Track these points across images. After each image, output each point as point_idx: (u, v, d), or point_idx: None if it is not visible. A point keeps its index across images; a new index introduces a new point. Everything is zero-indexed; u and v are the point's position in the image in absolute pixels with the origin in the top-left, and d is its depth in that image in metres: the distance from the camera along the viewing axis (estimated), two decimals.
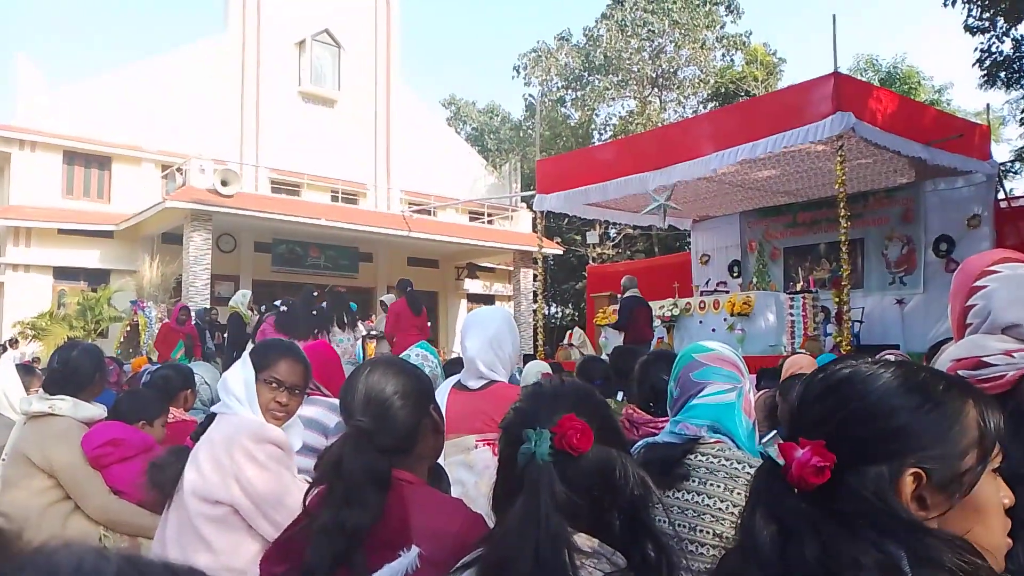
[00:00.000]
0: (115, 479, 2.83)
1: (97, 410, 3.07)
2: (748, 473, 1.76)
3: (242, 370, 2.24)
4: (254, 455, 2.05)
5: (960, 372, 1.57)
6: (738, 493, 1.74)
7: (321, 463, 1.53)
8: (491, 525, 1.56)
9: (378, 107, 21.85)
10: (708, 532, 1.72)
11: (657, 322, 10.72)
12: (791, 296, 10.33)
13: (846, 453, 0.91)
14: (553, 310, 28.19)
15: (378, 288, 19.51)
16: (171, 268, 16.20)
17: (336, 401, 2.89)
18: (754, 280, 12.86)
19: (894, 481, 0.90)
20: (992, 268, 1.61)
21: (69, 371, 3.03)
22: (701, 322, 10.46)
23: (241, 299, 11.66)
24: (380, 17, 22.22)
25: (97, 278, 17.34)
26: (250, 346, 9.79)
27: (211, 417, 2.28)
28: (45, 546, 0.50)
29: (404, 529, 1.41)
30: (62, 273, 17.28)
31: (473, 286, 23.17)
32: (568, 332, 13.53)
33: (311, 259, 19.11)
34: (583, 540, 1.12)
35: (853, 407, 0.95)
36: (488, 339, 2.67)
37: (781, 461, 0.94)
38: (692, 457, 1.82)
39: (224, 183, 15.57)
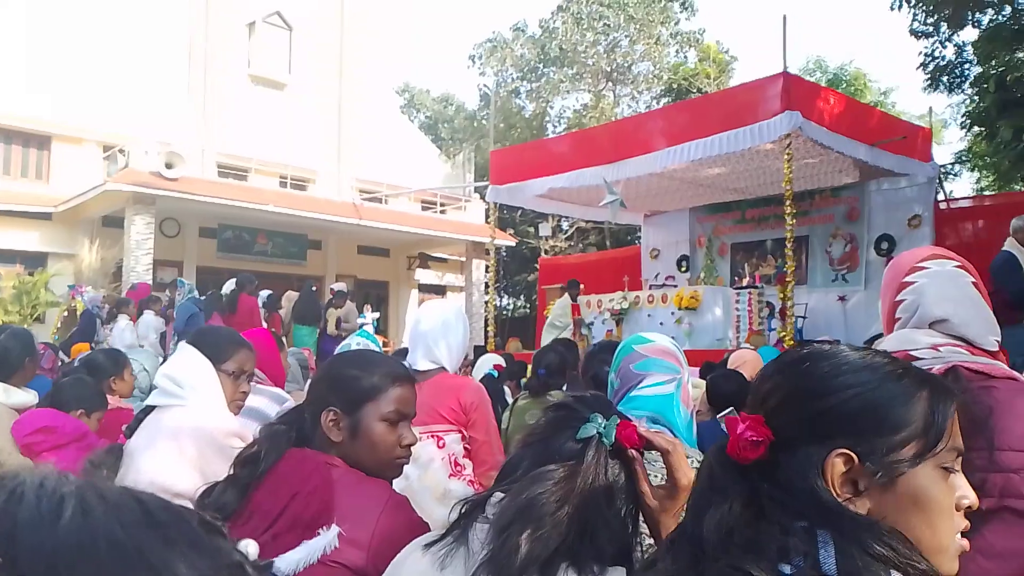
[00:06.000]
0: None
1: (28, 396, 2.97)
2: None
3: (195, 360, 2.19)
4: (223, 450, 2.01)
5: None
6: None
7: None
8: (417, 512, 1.56)
9: (329, 92, 21.50)
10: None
11: (606, 315, 10.83)
12: (737, 291, 10.50)
13: (783, 430, 0.91)
14: (505, 302, 28.20)
15: (327, 277, 19.24)
16: (111, 252, 15.70)
17: (278, 391, 2.86)
18: (702, 275, 13.05)
19: (822, 461, 0.89)
20: (921, 264, 1.64)
21: None
22: (650, 315, 10.56)
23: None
24: (333, 0, 21.87)
25: (34, 261, 16.74)
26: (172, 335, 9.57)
27: (146, 411, 2.21)
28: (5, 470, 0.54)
29: (327, 510, 1.41)
30: None
31: (425, 276, 23.01)
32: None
33: (258, 246, 18.72)
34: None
35: (795, 385, 0.94)
36: (442, 322, 2.76)
37: None
38: None
39: (169, 166, 15.13)
